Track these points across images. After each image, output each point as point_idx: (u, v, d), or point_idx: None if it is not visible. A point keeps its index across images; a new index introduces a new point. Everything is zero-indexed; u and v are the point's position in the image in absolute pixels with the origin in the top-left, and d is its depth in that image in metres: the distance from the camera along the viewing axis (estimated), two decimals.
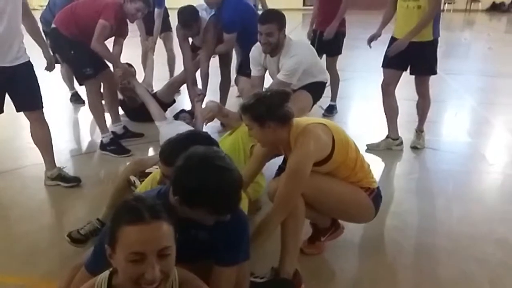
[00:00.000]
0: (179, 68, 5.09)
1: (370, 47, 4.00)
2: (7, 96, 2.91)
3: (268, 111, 2.06)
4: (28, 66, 2.89)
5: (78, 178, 3.25)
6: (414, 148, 3.93)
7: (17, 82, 2.84)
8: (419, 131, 4.00)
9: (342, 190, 2.19)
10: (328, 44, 4.61)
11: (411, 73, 3.74)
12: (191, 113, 4.55)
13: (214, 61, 4.59)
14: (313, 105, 3.64)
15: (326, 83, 3.70)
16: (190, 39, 4.45)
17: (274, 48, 3.34)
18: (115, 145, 3.92)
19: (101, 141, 3.95)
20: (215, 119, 3.20)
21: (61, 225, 2.87)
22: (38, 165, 3.35)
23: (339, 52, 4.79)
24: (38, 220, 2.81)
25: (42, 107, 3.04)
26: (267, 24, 3.25)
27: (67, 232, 2.51)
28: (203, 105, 3.68)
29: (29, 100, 2.98)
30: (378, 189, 2.29)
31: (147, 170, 2.49)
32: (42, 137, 3.11)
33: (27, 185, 3.26)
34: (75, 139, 4.38)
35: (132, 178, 2.47)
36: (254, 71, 3.62)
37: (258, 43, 3.42)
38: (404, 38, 3.51)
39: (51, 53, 3.33)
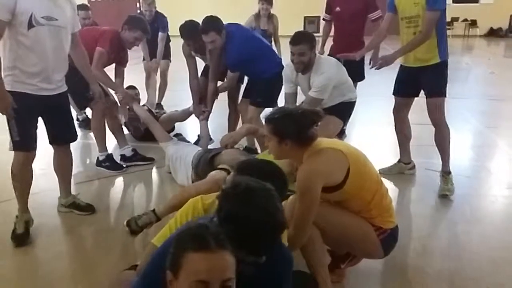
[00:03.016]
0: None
1: (341, 61, 3.84)
2: None
3: (293, 131, 2.05)
4: (65, 96, 2.90)
5: (92, 206, 3.22)
6: (443, 196, 3.44)
7: (54, 111, 2.83)
8: (445, 173, 3.54)
9: (349, 223, 2.13)
10: (352, 70, 4.42)
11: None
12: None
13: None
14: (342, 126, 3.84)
15: (354, 102, 3.80)
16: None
17: (306, 67, 3.49)
18: (109, 161, 4.11)
19: (97, 157, 4.13)
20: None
21: (77, 252, 2.84)
22: (49, 191, 3.33)
23: (363, 78, 4.73)
24: (54, 248, 2.77)
25: (76, 138, 3.08)
26: (299, 45, 3.40)
27: (82, 259, 2.54)
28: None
29: (67, 132, 3.00)
30: (392, 230, 2.19)
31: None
32: (65, 167, 3.13)
33: (40, 212, 3.21)
34: (85, 165, 4.36)
35: None
36: (287, 88, 3.79)
37: (290, 62, 3.57)
38: (392, 55, 3.44)
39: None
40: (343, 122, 3.79)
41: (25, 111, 2.63)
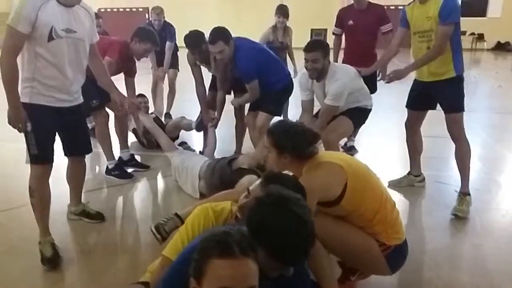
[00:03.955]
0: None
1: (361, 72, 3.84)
2: None
3: (292, 147, 2.09)
4: (82, 108, 2.89)
5: (102, 214, 3.23)
6: (455, 216, 3.30)
7: (71, 123, 2.80)
8: (463, 194, 3.41)
9: (352, 238, 2.10)
10: (365, 82, 4.29)
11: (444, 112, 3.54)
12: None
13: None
14: (354, 130, 3.85)
15: (370, 109, 3.81)
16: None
17: (320, 74, 3.54)
18: (118, 170, 4.15)
19: (107, 166, 4.17)
20: None
21: (85, 260, 2.82)
22: (58, 198, 3.31)
23: (375, 90, 4.61)
24: (63, 255, 2.75)
25: (91, 150, 3.05)
26: (313, 52, 3.46)
27: (91, 267, 2.55)
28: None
29: (82, 144, 2.97)
30: (397, 246, 2.13)
31: None
32: (78, 178, 3.13)
33: (49, 219, 3.22)
34: (95, 173, 4.37)
35: None
36: (303, 96, 3.82)
37: (304, 70, 3.62)
38: (404, 70, 3.41)
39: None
40: (354, 126, 3.75)
41: (43, 124, 2.60)
